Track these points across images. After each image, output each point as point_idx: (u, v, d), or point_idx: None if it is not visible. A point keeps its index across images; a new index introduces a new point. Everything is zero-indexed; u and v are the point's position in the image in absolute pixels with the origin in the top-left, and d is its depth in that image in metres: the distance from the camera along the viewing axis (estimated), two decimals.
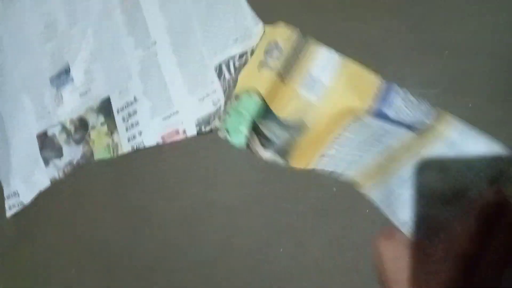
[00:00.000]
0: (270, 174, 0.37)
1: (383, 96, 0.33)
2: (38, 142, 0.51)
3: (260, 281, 0.37)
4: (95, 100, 0.48)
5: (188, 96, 0.41)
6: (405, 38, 0.34)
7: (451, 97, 0.32)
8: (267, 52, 0.36)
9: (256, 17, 0.38)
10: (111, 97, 0.46)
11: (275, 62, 0.36)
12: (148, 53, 0.44)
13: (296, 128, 0.35)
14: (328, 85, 0.35)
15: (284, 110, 0.36)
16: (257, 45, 0.38)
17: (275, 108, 0.36)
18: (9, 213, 0.53)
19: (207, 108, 0.40)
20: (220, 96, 0.39)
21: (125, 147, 0.45)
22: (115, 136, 0.46)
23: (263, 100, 0.35)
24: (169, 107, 0.42)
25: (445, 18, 0.33)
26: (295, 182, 0.36)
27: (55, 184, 0.50)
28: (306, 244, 0.36)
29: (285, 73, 0.36)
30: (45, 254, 0.49)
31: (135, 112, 0.44)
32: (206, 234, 0.40)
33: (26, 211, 0.51)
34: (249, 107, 0.36)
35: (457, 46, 0.32)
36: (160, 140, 0.43)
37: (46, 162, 0.51)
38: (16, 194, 0.52)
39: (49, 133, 0.51)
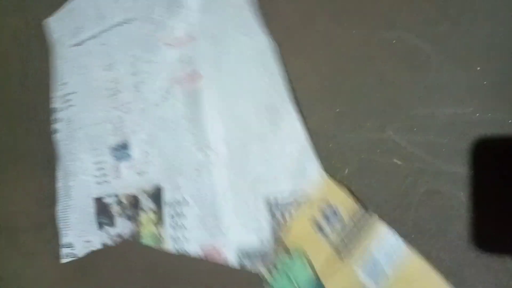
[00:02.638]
0: None
1: None
2: (95, 205, 0.53)
3: None
4: (149, 183, 0.47)
5: (236, 220, 0.39)
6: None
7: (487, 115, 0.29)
8: (324, 214, 0.32)
9: (320, 167, 0.34)
10: (162, 187, 0.46)
11: (334, 235, 0.32)
12: (204, 158, 0.42)
13: None
14: (390, 276, 0.30)
15: None
16: (312, 194, 0.34)
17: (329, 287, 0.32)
18: (63, 260, 0.56)
19: (251, 242, 0.37)
20: (266, 235, 0.36)
21: (168, 245, 0.44)
22: (160, 229, 0.45)
23: (316, 275, 0.32)
24: (216, 223, 0.40)
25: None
26: None
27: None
28: None
29: (343, 249, 0.31)
30: None
31: (183, 214, 0.43)
32: None
33: None
34: (300, 277, 0.32)
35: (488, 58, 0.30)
36: (201, 253, 0.41)
37: (100, 226, 0.52)
38: (71, 245, 0.55)
39: (106, 200, 0.52)
